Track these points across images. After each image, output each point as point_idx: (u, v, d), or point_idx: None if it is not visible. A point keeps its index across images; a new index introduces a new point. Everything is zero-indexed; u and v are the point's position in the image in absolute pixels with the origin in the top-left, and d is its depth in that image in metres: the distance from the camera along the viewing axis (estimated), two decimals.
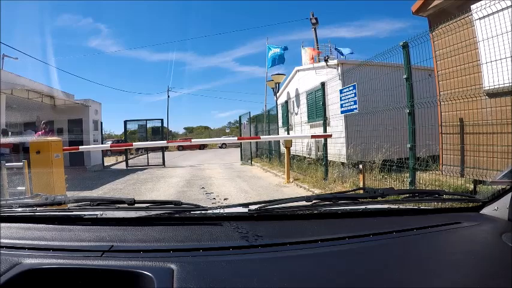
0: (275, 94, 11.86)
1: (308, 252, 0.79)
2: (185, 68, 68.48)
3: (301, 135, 9.30)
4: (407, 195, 1.16)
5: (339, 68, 7.33)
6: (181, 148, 26.58)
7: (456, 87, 4.23)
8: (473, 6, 3.89)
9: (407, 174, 4.16)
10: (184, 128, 48.42)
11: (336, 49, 12.19)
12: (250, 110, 29.51)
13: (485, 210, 1.04)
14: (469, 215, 1.05)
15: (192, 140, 12.92)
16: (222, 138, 23.64)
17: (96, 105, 12.57)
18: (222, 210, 1.03)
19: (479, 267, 0.75)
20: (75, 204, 1.09)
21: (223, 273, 0.69)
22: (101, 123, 13.16)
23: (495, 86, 3.65)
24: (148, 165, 12.62)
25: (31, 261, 0.72)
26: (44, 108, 10.65)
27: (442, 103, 4.35)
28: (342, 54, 12.25)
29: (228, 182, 7.51)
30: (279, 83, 11.83)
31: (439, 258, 0.78)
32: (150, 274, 0.67)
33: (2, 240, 0.82)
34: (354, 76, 5.78)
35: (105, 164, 13.37)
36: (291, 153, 7.71)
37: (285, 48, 14.63)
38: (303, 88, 9.28)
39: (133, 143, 9.67)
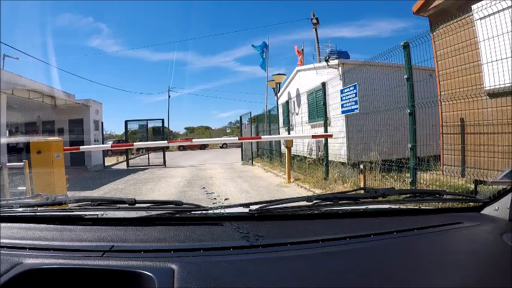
0: (276, 94, 11.86)
1: (309, 252, 0.79)
2: (186, 67, 68.31)
3: (302, 135, 9.30)
4: (408, 195, 1.15)
5: (340, 68, 7.33)
6: (182, 148, 26.59)
7: (457, 88, 4.22)
8: (474, 7, 3.88)
9: (408, 174, 4.16)
10: (185, 128, 48.21)
11: (331, 52, 12.28)
12: (251, 110, 29.62)
13: (486, 211, 1.04)
14: (470, 215, 1.05)
15: (193, 140, 12.95)
16: (223, 138, 23.58)
17: (97, 105, 12.59)
18: (222, 211, 1.02)
19: (480, 267, 0.75)
20: (76, 204, 1.09)
21: (224, 273, 0.69)
22: (102, 123, 13.21)
23: (496, 86, 3.64)
24: (149, 165, 12.63)
25: (32, 261, 0.72)
26: (45, 108, 10.68)
27: (443, 103, 4.34)
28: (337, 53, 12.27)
29: (229, 182, 7.51)
30: (279, 83, 11.83)
31: (439, 258, 0.78)
32: (150, 274, 0.67)
33: (3, 240, 0.82)
34: (355, 76, 5.78)
35: (106, 164, 13.39)
36: (292, 153, 7.71)
37: (264, 45, 15.48)
38: (304, 88, 9.28)
39: (134, 143, 9.67)
